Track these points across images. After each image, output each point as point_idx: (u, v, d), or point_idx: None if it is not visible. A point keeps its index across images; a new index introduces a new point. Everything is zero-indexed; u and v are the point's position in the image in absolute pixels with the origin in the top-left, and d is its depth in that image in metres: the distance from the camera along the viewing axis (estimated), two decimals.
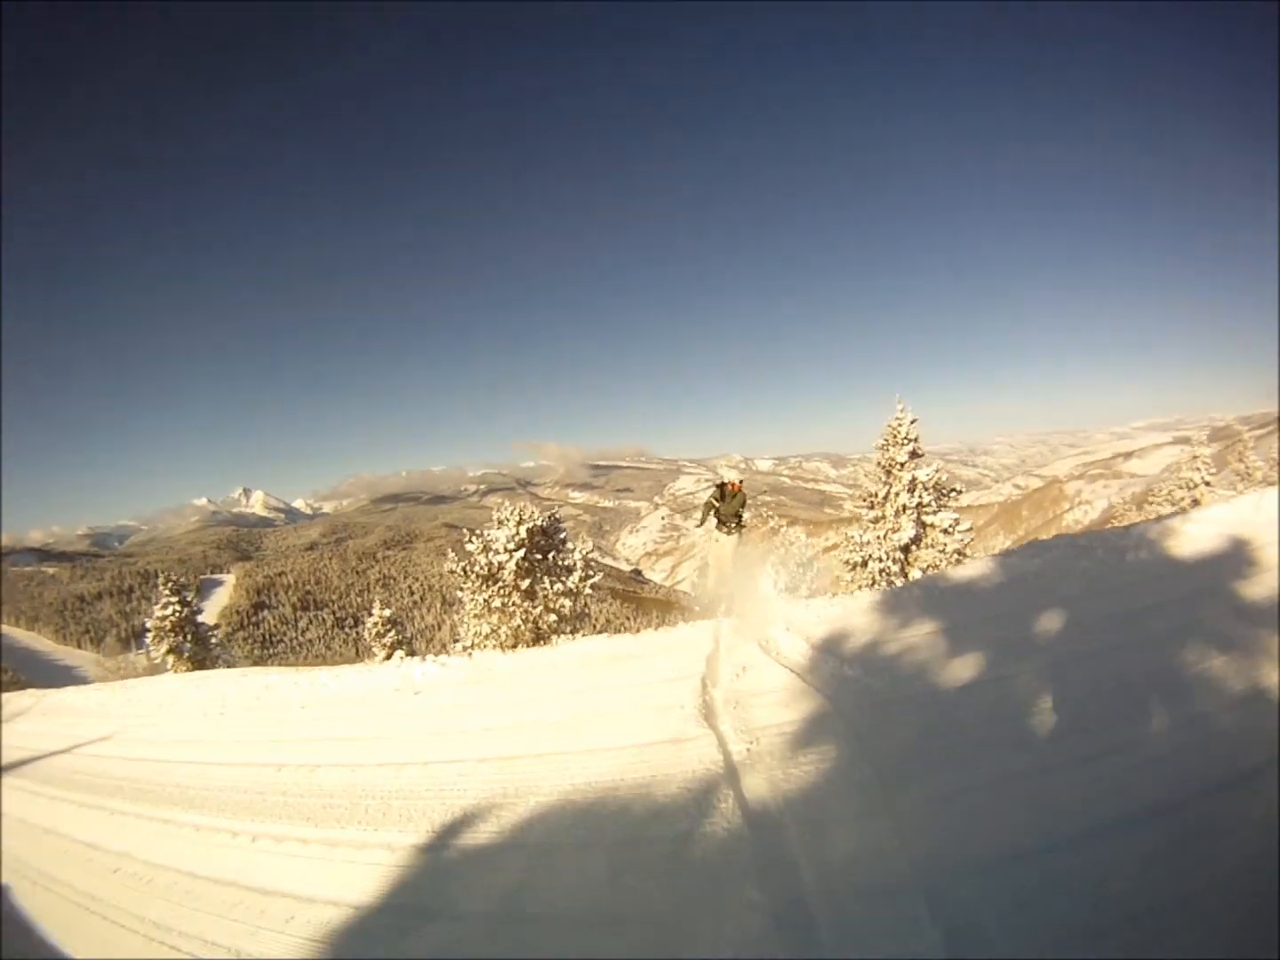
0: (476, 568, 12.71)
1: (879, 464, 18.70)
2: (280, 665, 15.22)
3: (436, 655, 9.66)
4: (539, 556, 13.03)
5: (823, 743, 4.50)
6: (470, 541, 12.75)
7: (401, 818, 4.93)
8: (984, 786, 3.68)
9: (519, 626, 12.60)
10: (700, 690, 5.89)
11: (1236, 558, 6.16)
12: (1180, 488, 23.02)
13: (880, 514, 18.98)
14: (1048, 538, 7.76)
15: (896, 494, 18.52)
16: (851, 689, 5.17)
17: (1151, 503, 26.09)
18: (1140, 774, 3.55)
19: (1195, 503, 20.99)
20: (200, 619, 23.01)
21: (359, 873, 4.42)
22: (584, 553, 13.58)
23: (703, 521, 10.72)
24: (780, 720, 4.96)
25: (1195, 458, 23.14)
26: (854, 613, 6.89)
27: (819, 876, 3.29)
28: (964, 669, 5.04)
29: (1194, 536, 6.79)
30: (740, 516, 10.68)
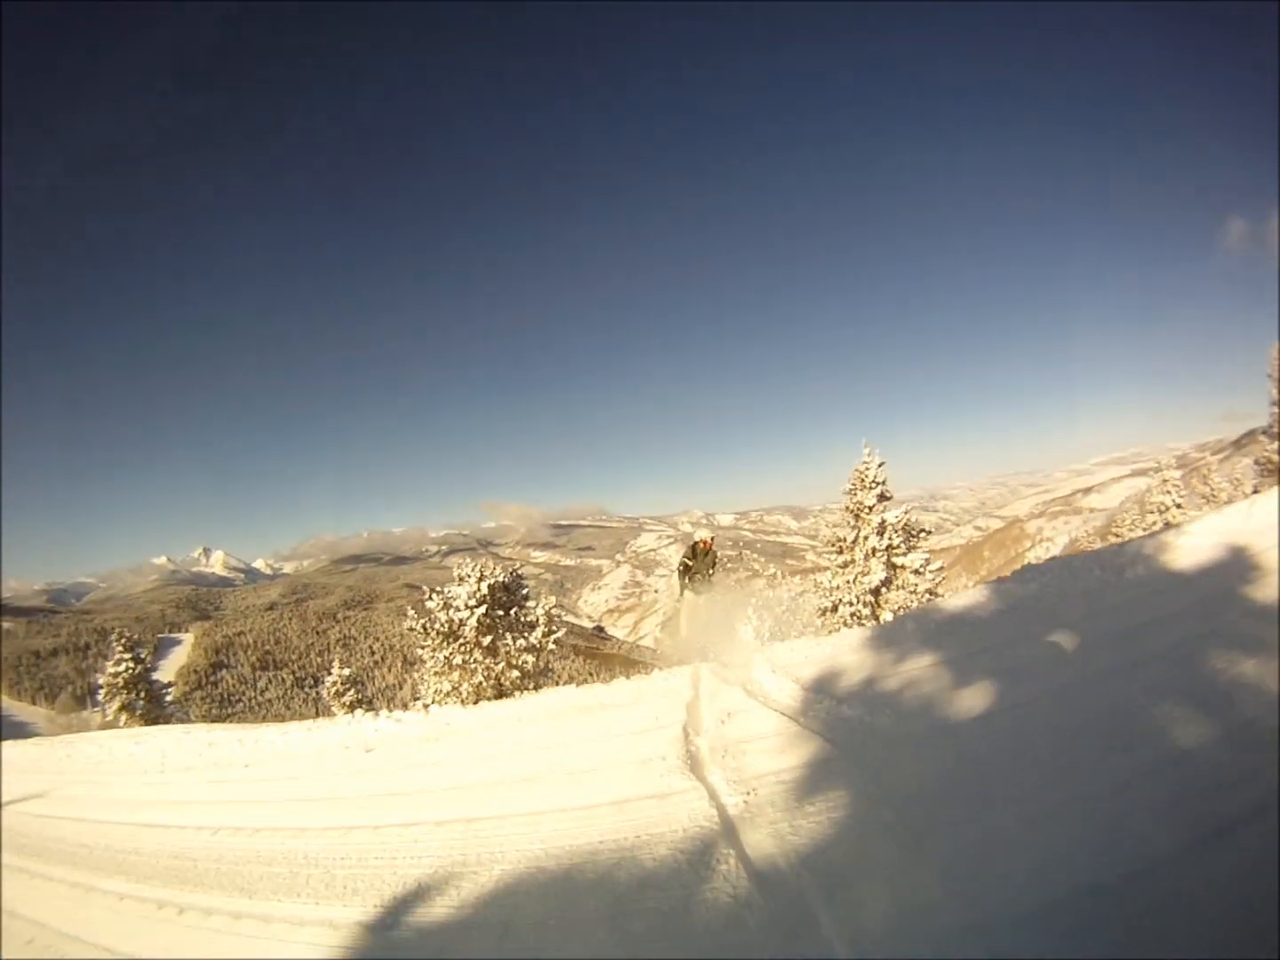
0: (437, 625, 12.28)
1: (847, 508, 18.55)
2: (237, 725, 14.43)
3: (392, 711, 9.03)
4: (501, 613, 12.62)
5: (831, 788, 3.97)
6: (430, 599, 12.37)
7: (347, 890, 4.26)
8: (1022, 824, 3.21)
9: (480, 683, 12.13)
10: (683, 739, 5.31)
11: (1239, 564, 5.96)
12: (1151, 511, 23.20)
13: (849, 558, 18.75)
14: (1040, 562, 7.46)
15: (865, 537, 18.31)
16: (854, 729, 4.68)
17: (1115, 534, 26.24)
18: (1193, 794, 3.15)
19: (1167, 525, 21.08)
20: (156, 677, 22.66)
21: (295, 954, 3.75)
22: (547, 608, 13.19)
23: (681, 590, 10.64)
24: (778, 767, 4.42)
25: (1165, 481, 23.40)
26: (844, 651, 6.44)
27: (855, 946, 2.75)
28: (973, 700, 4.61)
29: (1190, 548, 6.63)
30: (713, 573, 10.64)
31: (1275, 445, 20.04)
